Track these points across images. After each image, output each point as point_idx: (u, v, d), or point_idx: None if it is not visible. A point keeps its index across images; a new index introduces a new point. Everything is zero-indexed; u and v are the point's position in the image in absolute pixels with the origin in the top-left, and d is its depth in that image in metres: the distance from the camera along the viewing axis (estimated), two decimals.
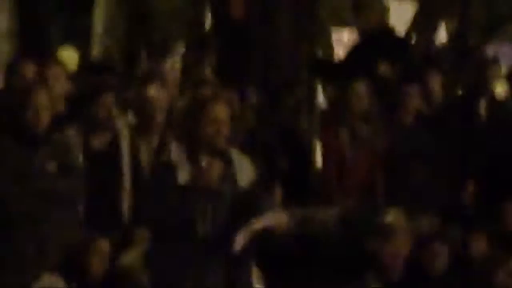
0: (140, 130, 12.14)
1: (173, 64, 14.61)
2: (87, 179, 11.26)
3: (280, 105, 14.46)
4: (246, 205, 10.41)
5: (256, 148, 12.81)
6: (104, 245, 10.82)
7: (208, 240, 10.20)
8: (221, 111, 10.37)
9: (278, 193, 13.02)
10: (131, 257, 11.20)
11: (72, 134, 11.52)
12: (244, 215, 10.21)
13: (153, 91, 12.39)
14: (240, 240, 10.22)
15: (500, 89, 15.20)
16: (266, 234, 10.56)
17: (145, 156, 12.12)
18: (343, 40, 18.77)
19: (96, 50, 18.05)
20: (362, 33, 16.20)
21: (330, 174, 13.58)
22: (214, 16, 16.98)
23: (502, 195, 13.35)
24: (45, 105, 10.97)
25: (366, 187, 13.52)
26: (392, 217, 10.22)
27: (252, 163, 10.60)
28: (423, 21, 18.08)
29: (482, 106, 14.31)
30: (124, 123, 12.09)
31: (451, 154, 13.75)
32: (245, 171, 10.46)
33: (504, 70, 15.91)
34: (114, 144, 11.85)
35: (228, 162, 10.26)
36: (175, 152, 10.48)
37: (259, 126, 13.56)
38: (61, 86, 12.14)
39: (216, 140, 10.26)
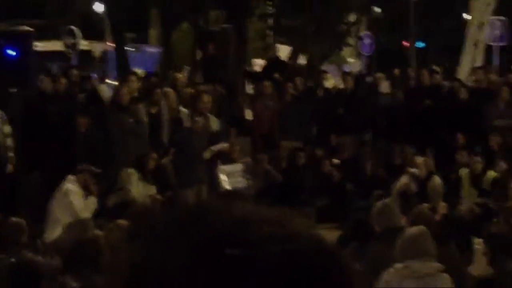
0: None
1: (184, 75, 13.82)
2: (149, 127, 10.98)
3: (234, 94, 13.70)
4: (213, 139, 10.66)
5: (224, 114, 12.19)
6: (154, 155, 10.47)
7: (199, 153, 10.42)
8: (204, 96, 10.61)
9: (233, 132, 12.35)
10: (166, 161, 10.80)
11: (141, 107, 11.00)
12: (212, 144, 10.58)
13: (168, 90, 11.74)
14: (207, 154, 10.59)
15: (329, 84, 14.79)
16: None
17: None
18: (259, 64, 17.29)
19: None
20: (268, 60, 15.68)
21: (257, 119, 12.87)
22: (201, 52, 15.39)
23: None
24: (128, 94, 10.95)
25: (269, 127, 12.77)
26: None
27: (217, 121, 10.79)
28: (294, 56, 17.06)
29: (320, 93, 13.55)
30: (164, 101, 11.33)
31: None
32: (213, 123, 10.64)
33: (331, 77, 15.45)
34: (160, 111, 11.25)
35: (207, 119, 10.48)
36: (183, 115, 10.75)
37: (225, 104, 12.69)
38: (134, 85, 11.49)
39: (202, 108, 10.44)
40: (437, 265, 5.52)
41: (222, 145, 11.10)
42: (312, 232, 0.80)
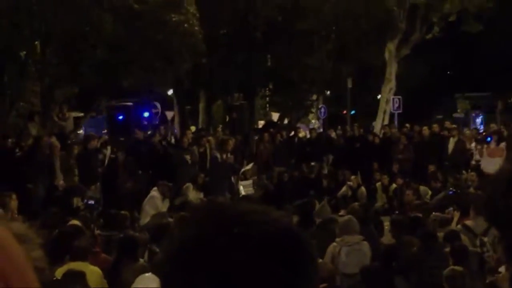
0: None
1: (219, 130, 13.04)
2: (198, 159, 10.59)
3: (247, 140, 13.05)
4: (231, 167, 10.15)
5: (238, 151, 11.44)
6: (202, 175, 9.92)
7: (225, 171, 9.84)
8: (229, 141, 10.20)
9: (247, 162, 11.82)
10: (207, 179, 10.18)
11: (194, 148, 10.68)
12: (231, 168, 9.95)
13: (210, 138, 11.24)
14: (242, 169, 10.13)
15: (301, 135, 14.15)
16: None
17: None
18: (261, 123, 16.08)
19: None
20: (266, 121, 15.36)
21: (260, 154, 12.37)
22: (229, 117, 14.45)
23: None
24: (187, 141, 10.66)
25: (267, 159, 12.26)
26: None
27: (232, 156, 10.04)
28: (281, 119, 16.59)
29: (296, 140, 13.11)
30: (207, 145, 10.85)
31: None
32: (231, 158, 10.07)
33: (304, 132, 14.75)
34: (205, 150, 10.74)
35: (230, 153, 9.94)
36: (216, 153, 10.05)
37: (242, 146, 12.26)
38: (190, 136, 11.20)
39: (226, 148, 9.99)
40: (360, 237, 5.57)
41: (247, 167, 10.92)
42: (285, 219, 0.79)
